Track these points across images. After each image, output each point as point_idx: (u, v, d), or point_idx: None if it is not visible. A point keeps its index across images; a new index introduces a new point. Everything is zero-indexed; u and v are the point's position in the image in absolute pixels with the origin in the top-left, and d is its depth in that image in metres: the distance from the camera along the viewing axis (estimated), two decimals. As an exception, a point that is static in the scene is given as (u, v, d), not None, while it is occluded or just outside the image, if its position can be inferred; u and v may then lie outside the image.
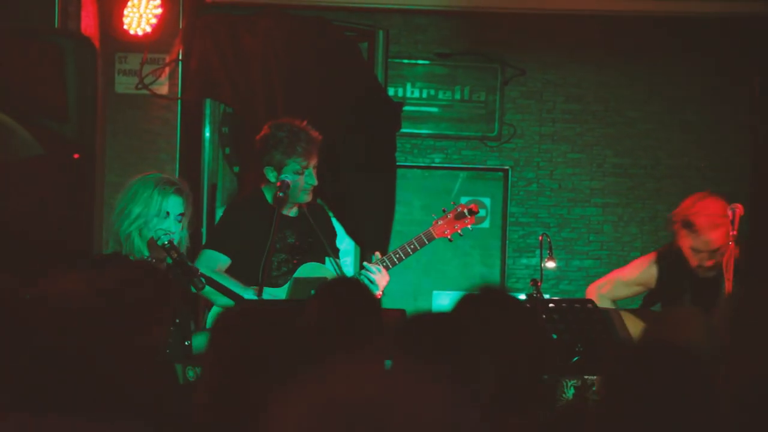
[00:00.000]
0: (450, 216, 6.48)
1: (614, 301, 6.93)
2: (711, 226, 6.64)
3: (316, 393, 1.77)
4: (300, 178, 6.33)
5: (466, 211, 6.48)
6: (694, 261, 6.68)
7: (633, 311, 6.78)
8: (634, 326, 6.36)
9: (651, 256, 7.00)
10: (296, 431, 1.76)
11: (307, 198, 6.39)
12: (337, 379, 1.78)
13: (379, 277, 6.36)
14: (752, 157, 8.67)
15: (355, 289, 4.21)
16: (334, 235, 6.73)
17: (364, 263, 6.48)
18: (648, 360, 2.82)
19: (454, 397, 1.78)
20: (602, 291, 6.94)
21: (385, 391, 1.77)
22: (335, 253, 6.49)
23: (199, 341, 5.69)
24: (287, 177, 6.29)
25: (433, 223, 6.52)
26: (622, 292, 7.01)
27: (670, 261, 6.83)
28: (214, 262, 6.17)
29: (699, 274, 6.71)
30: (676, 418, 2.71)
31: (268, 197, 6.39)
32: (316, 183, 6.37)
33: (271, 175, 6.33)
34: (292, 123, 6.40)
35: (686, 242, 6.70)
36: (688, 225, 6.68)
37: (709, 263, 6.65)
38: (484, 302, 3.28)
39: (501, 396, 3.06)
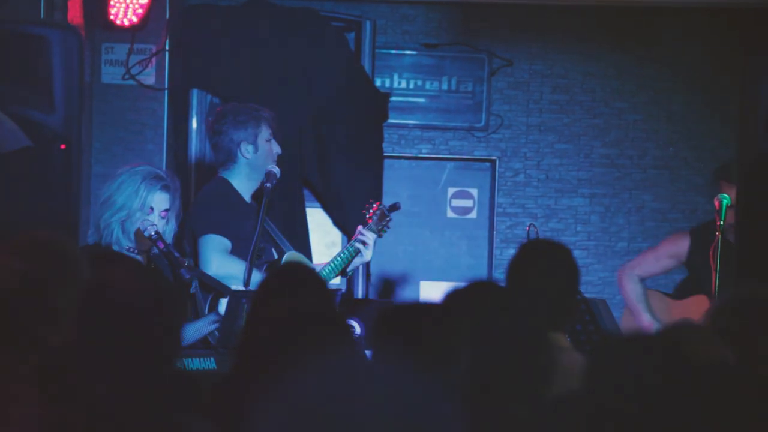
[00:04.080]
0: (375, 217, 6.64)
1: (644, 279, 6.95)
2: None
3: (290, 389, 1.78)
4: (269, 146, 6.38)
5: (385, 210, 6.64)
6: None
7: (663, 295, 6.82)
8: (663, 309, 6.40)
9: (685, 231, 7.05)
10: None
11: (275, 168, 6.38)
12: (311, 374, 1.79)
13: (371, 242, 6.49)
14: (739, 148, 8.68)
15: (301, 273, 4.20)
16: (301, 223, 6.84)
17: (360, 228, 6.55)
18: (633, 350, 2.82)
19: (429, 389, 1.78)
20: (634, 270, 6.98)
21: (359, 384, 1.77)
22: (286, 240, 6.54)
23: (187, 332, 5.69)
24: (273, 168, 6.30)
25: (367, 220, 6.65)
26: (653, 268, 7.03)
27: (704, 234, 6.85)
28: (222, 245, 6.13)
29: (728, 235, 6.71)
30: (661, 409, 2.71)
31: (234, 184, 6.39)
32: (281, 151, 6.44)
33: (248, 149, 6.34)
34: (236, 103, 6.48)
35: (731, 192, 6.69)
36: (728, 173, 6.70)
37: None
38: (472, 294, 3.28)
39: (484, 388, 3.06)
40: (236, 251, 6.15)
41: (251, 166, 6.36)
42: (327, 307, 3.65)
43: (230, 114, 6.39)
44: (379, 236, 6.71)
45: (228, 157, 6.36)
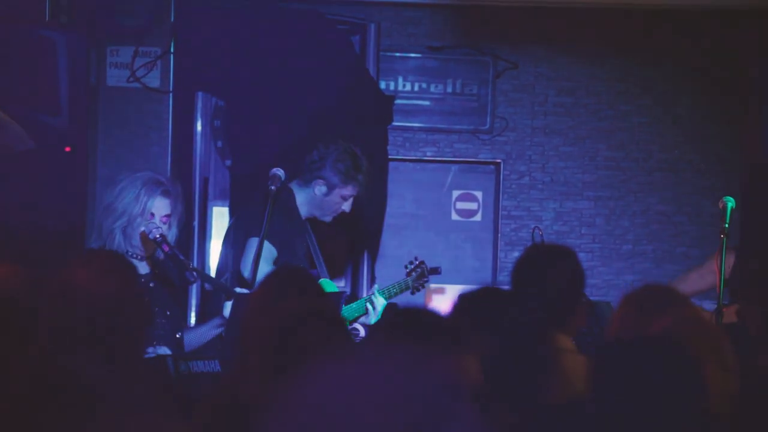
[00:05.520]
0: (414, 274, 6.79)
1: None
2: None
3: (301, 395, 1.77)
4: (342, 203, 6.37)
5: (426, 271, 6.79)
6: None
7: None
8: None
9: (730, 247, 7.00)
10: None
11: (329, 220, 6.44)
12: (319, 380, 1.78)
13: (379, 306, 6.51)
14: (744, 150, 8.69)
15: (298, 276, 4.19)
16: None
17: (376, 291, 6.55)
18: (637, 352, 2.82)
19: (440, 388, 1.78)
20: (679, 286, 6.92)
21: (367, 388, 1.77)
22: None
23: (190, 337, 5.68)
24: (277, 171, 6.26)
25: (407, 273, 6.79)
26: (698, 285, 6.97)
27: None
28: (269, 253, 6.09)
29: None
30: (664, 410, 2.71)
31: (297, 200, 6.40)
32: (348, 211, 6.46)
33: (321, 190, 6.33)
34: (356, 151, 6.44)
35: None
36: None
37: None
38: (480, 299, 3.28)
39: (493, 390, 3.06)
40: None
41: (314, 201, 6.38)
42: (326, 309, 3.64)
43: (339, 153, 6.37)
44: (413, 293, 6.84)
45: (305, 176, 6.38)
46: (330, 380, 1.78)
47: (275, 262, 6.10)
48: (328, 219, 6.45)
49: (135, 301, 3.32)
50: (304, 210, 6.41)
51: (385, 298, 6.58)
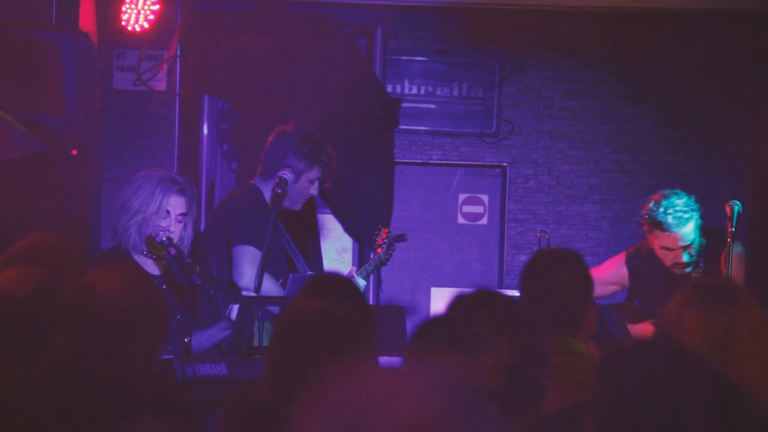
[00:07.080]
0: (384, 245, 6.80)
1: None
2: (679, 223, 6.69)
3: (323, 398, 1.77)
4: (309, 187, 6.32)
5: (392, 240, 6.82)
6: (667, 260, 6.71)
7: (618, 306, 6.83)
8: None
9: (621, 257, 7.05)
10: None
11: (300, 207, 6.39)
12: (342, 383, 1.78)
13: (361, 288, 6.52)
14: (751, 154, 8.68)
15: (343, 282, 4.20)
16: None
17: (355, 274, 6.54)
18: (644, 354, 2.81)
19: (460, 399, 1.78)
20: None
21: (390, 393, 1.77)
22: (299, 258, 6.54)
23: (198, 339, 5.68)
24: (285, 174, 6.25)
25: (377, 249, 6.80)
26: (599, 291, 7.04)
27: (639, 261, 6.87)
28: (258, 259, 6.05)
29: (675, 272, 6.73)
30: (672, 414, 2.70)
31: (265, 195, 6.35)
32: (317, 194, 6.42)
33: (288, 177, 6.28)
34: (316, 133, 6.41)
35: (657, 242, 6.73)
36: (657, 224, 6.71)
37: (681, 260, 6.67)
38: (478, 301, 3.28)
39: (500, 395, 3.06)
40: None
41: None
42: (355, 314, 3.62)
43: (300, 137, 6.31)
44: (384, 265, 6.83)
45: (269, 168, 6.29)
46: (360, 386, 1.78)
47: (262, 264, 6.07)
48: (298, 207, 6.37)
49: (156, 308, 3.32)
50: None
51: (364, 278, 6.59)
